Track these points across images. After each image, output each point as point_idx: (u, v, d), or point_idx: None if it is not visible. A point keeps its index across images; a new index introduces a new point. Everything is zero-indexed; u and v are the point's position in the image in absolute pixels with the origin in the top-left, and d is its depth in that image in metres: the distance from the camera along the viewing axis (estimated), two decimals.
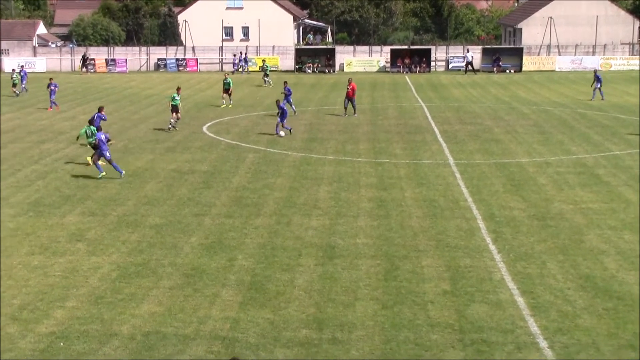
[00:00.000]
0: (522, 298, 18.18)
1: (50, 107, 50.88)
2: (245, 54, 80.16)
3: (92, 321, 16.94)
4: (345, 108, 47.74)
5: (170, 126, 41.43)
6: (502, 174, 31.13)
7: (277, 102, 41.18)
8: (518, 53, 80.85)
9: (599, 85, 54.62)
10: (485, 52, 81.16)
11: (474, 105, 53.11)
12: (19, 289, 18.80)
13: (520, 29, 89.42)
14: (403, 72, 79.26)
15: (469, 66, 77.38)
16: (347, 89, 47.84)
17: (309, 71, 79.77)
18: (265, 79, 66.78)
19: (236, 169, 32.28)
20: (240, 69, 78.23)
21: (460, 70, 79.15)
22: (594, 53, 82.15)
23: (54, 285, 19.06)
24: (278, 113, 40.15)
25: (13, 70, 62.58)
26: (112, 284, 19.13)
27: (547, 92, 60.81)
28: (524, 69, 78.91)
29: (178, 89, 43.18)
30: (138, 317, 17.12)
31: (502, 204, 26.44)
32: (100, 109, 37.07)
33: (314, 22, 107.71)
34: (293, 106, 47.12)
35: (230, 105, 51.86)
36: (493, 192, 28.05)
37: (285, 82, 48.74)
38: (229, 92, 52.27)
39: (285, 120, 40.09)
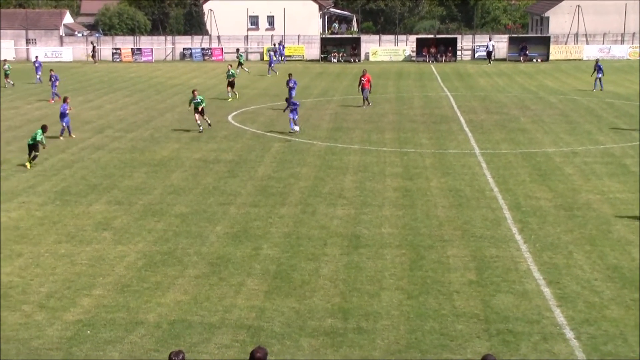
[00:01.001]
0: (549, 288, 18.07)
1: (52, 98, 50.26)
2: (281, 43, 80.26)
3: (118, 309, 17.04)
4: (365, 99, 47.16)
5: (200, 128, 38.59)
6: (528, 163, 30.94)
7: (287, 99, 39.42)
8: (545, 42, 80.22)
9: (600, 75, 53.92)
10: (512, 41, 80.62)
11: (500, 94, 52.81)
12: (46, 277, 18.95)
13: (548, 18, 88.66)
14: (429, 61, 78.93)
15: (489, 55, 76.91)
16: (362, 80, 46.92)
17: (334, 60, 79.63)
18: (244, 68, 66.48)
19: (261, 158, 32.31)
20: (282, 58, 78.49)
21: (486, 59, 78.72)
22: (622, 42, 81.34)
23: (81, 273, 19.19)
24: (287, 108, 38.17)
25: (5, 60, 62.55)
26: (138, 273, 19.22)
27: (575, 81, 60.34)
28: (551, 58, 78.30)
29: (194, 92, 39.12)
30: (164, 306, 17.20)
31: (529, 194, 26.28)
32: (65, 99, 37.95)
33: (340, 11, 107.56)
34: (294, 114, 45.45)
35: (237, 98, 50.56)
36: (519, 182, 27.89)
37: (290, 75, 47.38)
38: (233, 84, 50.96)
39: (297, 115, 37.90)
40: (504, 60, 78.96)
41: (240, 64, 66.79)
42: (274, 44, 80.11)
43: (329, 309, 16.97)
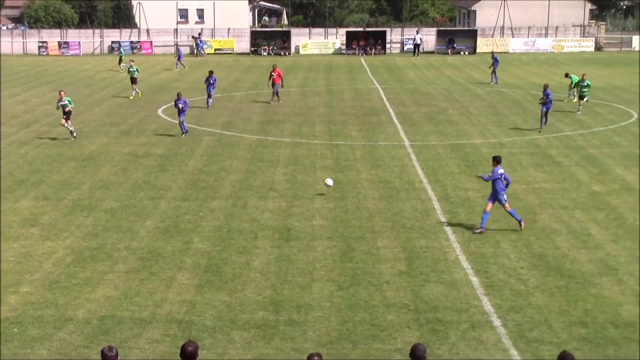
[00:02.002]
0: (477, 277, 18.41)
1: None
2: (199, 34, 79.54)
3: (46, 306, 16.83)
4: (275, 94, 45.32)
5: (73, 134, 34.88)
6: (456, 155, 31.40)
7: (176, 100, 35.43)
8: (472, 35, 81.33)
9: (496, 68, 54.46)
10: (440, 34, 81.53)
11: (429, 87, 53.40)
12: None
13: (475, 11, 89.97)
14: (358, 54, 79.29)
15: (416, 48, 77.57)
16: (272, 75, 44.97)
17: (265, 54, 79.44)
18: (120, 65, 64.39)
19: (192, 152, 32.14)
20: (197, 52, 77.52)
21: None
22: (546, 35, 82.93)
23: (8, 270, 18.88)
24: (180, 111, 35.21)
25: None
26: (67, 269, 19.00)
27: (501, 74, 61.19)
28: (478, 50, 79.37)
29: (60, 92, 35.16)
30: (93, 302, 17.04)
31: (457, 185, 26.68)
32: None
33: (269, 4, 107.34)
34: (211, 99, 43.56)
35: (140, 95, 48.11)
36: (448, 173, 28.29)
37: (211, 72, 44.01)
38: (136, 80, 48.30)
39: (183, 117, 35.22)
40: (432, 53, 79.77)
41: (120, 59, 64.77)
42: (192, 37, 79.29)
43: (260, 302, 17.02)
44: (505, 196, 21.67)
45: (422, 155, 31.32)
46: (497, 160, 21.78)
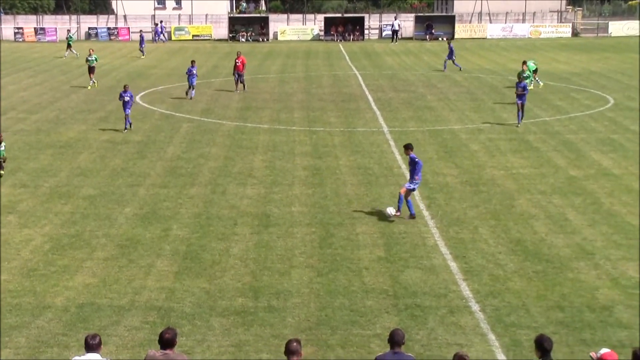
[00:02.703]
0: (455, 263, 18.51)
1: None
2: (161, 21, 78.85)
3: (24, 294, 16.76)
4: (236, 83, 44.44)
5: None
6: (435, 141, 31.47)
7: (122, 92, 33.58)
8: (450, 21, 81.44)
9: (452, 57, 54.14)
10: (418, 19, 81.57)
11: (407, 73, 53.43)
12: None
13: None
14: (337, 40, 79.23)
15: (394, 34, 77.53)
16: (236, 62, 43.86)
17: (243, 40, 79.20)
18: (72, 51, 63.42)
19: (170, 138, 32.03)
20: (158, 39, 76.94)
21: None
22: (524, 21, 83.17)
23: None
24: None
25: None
26: (45, 256, 18.91)
27: (479, 60, 61.46)
28: (456, 36, 79.45)
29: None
30: (72, 289, 16.99)
31: (436, 171, 26.76)
32: None
33: None
34: (193, 91, 41.61)
35: (96, 86, 46.18)
36: (426, 159, 28.29)
37: (193, 62, 42.29)
38: (93, 69, 46.32)
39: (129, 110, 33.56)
40: (410, 39, 79.82)
41: (69, 45, 63.77)
42: (155, 24, 78.75)
43: (239, 288, 17.03)
44: (412, 185, 21.62)
45: (400, 141, 31.31)
46: (409, 148, 21.79)
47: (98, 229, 20.91)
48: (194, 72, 41.60)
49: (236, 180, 25.72)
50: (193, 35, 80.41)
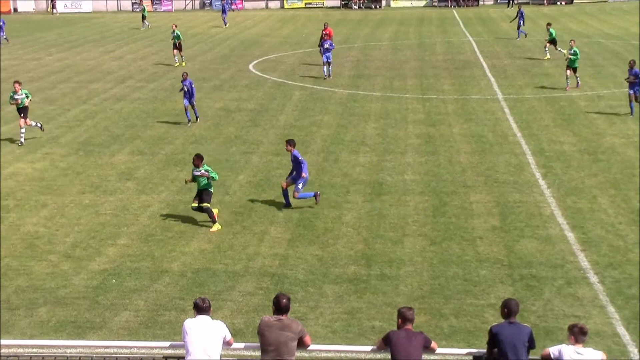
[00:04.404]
0: (572, 233, 18.00)
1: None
2: None
3: (143, 258, 17.18)
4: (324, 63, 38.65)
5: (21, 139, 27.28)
6: (552, 108, 30.66)
7: (182, 81, 29.12)
8: None
9: (521, 23, 52.08)
10: None
11: (524, 39, 52.13)
12: (72, 227, 19.10)
13: None
14: (451, 6, 78.01)
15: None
16: (322, 34, 38.94)
17: (355, 7, 78.84)
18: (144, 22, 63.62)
19: (283, 106, 32.21)
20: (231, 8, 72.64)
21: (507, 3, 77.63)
22: None
23: (105, 223, 19.32)
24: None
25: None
26: (162, 222, 19.33)
27: (600, 24, 59.46)
28: (575, 0, 77.00)
29: (16, 84, 26.86)
30: (188, 255, 17.32)
31: (552, 139, 26.08)
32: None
33: None
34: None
35: (183, 63, 43.32)
36: (543, 127, 27.67)
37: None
38: (180, 46, 43.28)
39: None
40: (527, 3, 77.78)
41: (143, 17, 63.95)
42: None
43: (352, 256, 17.01)
44: (301, 185, 19.68)
45: (515, 108, 30.69)
46: (291, 144, 19.84)
47: (213, 196, 21.19)
48: (328, 45, 37.48)
49: (348, 148, 25.66)
50: (305, 3, 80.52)
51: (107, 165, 24.32)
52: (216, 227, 18.70)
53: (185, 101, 29.05)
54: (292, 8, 79.41)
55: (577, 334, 9.69)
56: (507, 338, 9.89)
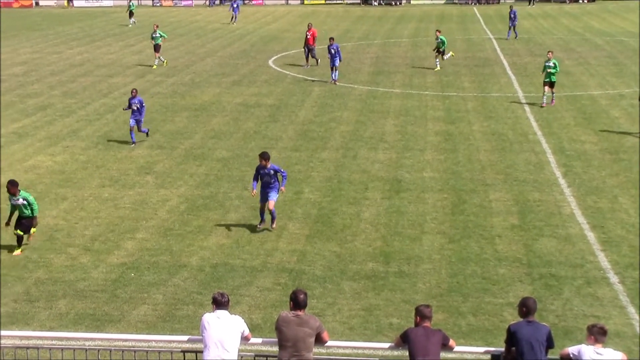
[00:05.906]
0: (593, 232, 17.89)
1: None
2: None
3: (161, 252, 17.22)
4: (306, 58, 40.85)
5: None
6: (573, 107, 30.48)
7: (130, 99, 26.08)
8: None
9: (515, 23, 51.47)
10: None
11: (545, 36, 51.89)
12: (91, 220, 19.17)
13: None
14: (471, 3, 77.69)
15: None
16: (306, 35, 40.56)
17: (375, 4, 78.68)
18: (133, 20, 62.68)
19: (302, 102, 32.19)
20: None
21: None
22: None
23: (124, 217, 19.38)
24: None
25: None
26: (181, 216, 19.36)
27: (623, 22, 59.06)
28: None
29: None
30: (206, 249, 17.34)
31: (573, 138, 25.93)
32: None
33: None
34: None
35: (165, 64, 41.86)
36: (563, 126, 27.51)
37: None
38: (159, 47, 41.85)
39: None
40: (548, 1, 77.42)
41: (131, 12, 62.92)
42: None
43: (370, 253, 16.98)
44: (274, 195, 18.27)
45: (536, 107, 30.53)
46: (265, 158, 17.89)
47: (231, 190, 21.25)
48: (335, 50, 35.84)
49: (367, 144, 25.62)
50: (325, 0, 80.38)
51: (126, 159, 24.38)
52: (17, 251, 17.12)
53: (132, 121, 25.80)
54: (312, 4, 79.31)
55: (597, 334, 9.62)
56: (525, 337, 9.84)
